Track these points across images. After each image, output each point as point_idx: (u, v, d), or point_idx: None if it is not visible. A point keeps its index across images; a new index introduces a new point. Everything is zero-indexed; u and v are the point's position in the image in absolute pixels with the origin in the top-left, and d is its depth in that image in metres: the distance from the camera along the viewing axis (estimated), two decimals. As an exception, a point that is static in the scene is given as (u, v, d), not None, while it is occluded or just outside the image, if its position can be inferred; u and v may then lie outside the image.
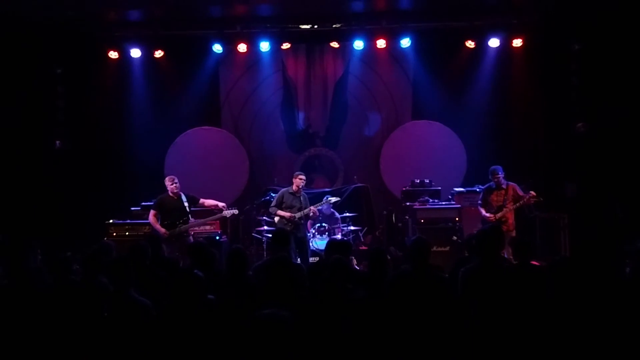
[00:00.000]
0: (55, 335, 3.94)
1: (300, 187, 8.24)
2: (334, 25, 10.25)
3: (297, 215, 8.08)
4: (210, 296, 4.10)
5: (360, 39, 10.31)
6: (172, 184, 7.87)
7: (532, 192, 8.11)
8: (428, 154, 10.63)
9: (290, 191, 8.28)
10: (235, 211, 8.20)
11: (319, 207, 8.56)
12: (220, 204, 8.10)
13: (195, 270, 4.05)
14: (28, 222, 9.05)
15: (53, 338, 3.93)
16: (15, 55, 9.52)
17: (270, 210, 8.37)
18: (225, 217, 8.18)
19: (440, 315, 4.06)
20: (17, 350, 3.88)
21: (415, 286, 4.29)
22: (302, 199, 8.22)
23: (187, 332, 3.71)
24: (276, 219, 8.25)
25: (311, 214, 8.30)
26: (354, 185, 10.50)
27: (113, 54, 10.38)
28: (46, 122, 9.99)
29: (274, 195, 8.88)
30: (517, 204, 8.14)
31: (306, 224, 8.58)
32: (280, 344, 3.32)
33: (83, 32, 9.92)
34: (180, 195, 7.89)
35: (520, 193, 8.19)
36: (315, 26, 10.23)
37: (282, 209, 8.17)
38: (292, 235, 7.85)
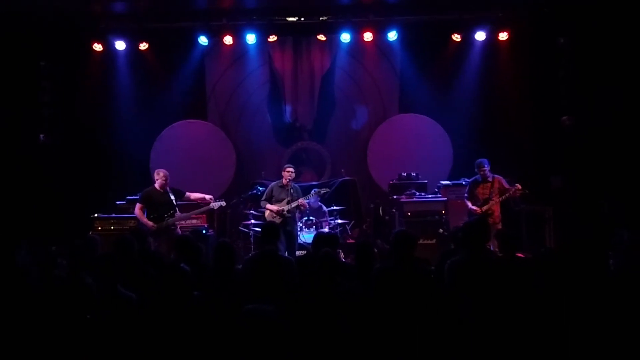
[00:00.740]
0: (42, 331, 3.90)
1: (289, 179, 8.22)
2: (320, 18, 10.22)
3: (285, 208, 8.07)
4: (195, 293, 4.07)
5: (347, 32, 10.28)
6: (162, 179, 7.78)
7: (518, 185, 8.17)
8: (415, 147, 10.65)
9: (280, 184, 8.27)
10: (223, 203, 8.15)
11: (308, 200, 8.55)
12: (207, 197, 8.05)
13: (182, 265, 4.03)
14: (12, 217, 8.94)
15: (39, 334, 3.88)
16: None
17: (261, 204, 8.36)
18: (213, 209, 8.14)
19: (425, 307, 4.07)
20: (4, 347, 3.83)
21: (399, 279, 4.31)
22: (292, 191, 8.19)
23: (174, 327, 3.69)
24: (267, 213, 8.22)
25: (302, 207, 8.27)
26: (341, 179, 10.50)
27: (97, 47, 10.25)
28: (30, 115, 9.85)
29: (261, 188, 8.85)
30: (503, 197, 8.20)
31: (295, 217, 8.51)
32: (264, 338, 3.32)
33: (67, 24, 9.78)
34: (167, 189, 7.83)
35: (506, 186, 8.25)
36: (302, 19, 10.19)
37: (272, 203, 8.16)
38: (281, 229, 7.85)
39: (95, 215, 8.79)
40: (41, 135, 9.88)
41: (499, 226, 7.98)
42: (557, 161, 9.64)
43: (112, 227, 8.64)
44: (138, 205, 7.76)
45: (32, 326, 3.92)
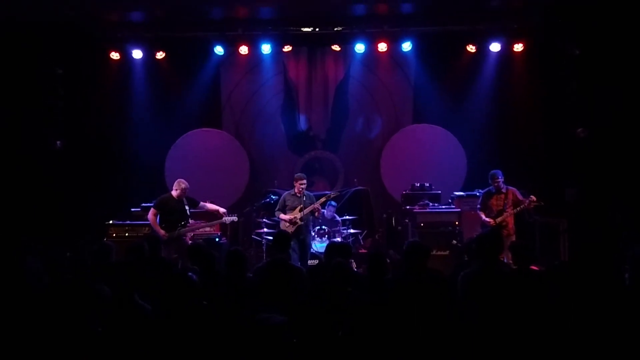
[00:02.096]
0: (51, 336, 3.92)
1: (301, 189, 8.21)
2: (335, 29, 10.27)
3: (298, 216, 8.06)
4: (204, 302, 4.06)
5: (361, 42, 10.33)
6: (182, 190, 7.80)
7: (533, 197, 8.10)
8: (428, 158, 10.63)
9: (292, 193, 8.27)
10: (235, 218, 8.19)
11: (322, 210, 8.51)
12: (221, 210, 8.06)
13: (190, 273, 4.02)
14: (28, 222, 9.04)
15: (49, 339, 3.91)
16: (16, 55, 9.53)
17: (275, 214, 8.37)
18: (225, 223, 8.18)
19: (437, 318, 4.05)
20: (14, 351, 3.86)
21: (411, 290, 4.29)
22: (304, 198, 8.19)
23: (181, 335, 3.68)
24: (281, 223, 8.23)
25: (316, 213, 8.25)
26: (354, 188, 10.50)
27: (114, 55, 10.39)
28: (47, 122, 9.99)
29: (274, 197, 8.88)
30: (517, 209, 8.14)
31: (309, 226, 8.48)
32: (274, 349, 3.31)
33: (84, 33, 9.93)
34: (182, 199, 7.86)
35: (520, 197, 8.19)
36: (317, 29, 10.25)
37: (285, 212, 8.17)
38: (294, 238, 7.85)
39: (110, 221, 8.86)
40: (58, 142, 10.00)
41: (513, 238, 7.92)
42: (572, 173, 9.56)
43: (127, 234, 8.68)
44: (152, 211, 7.81)
45: (37, 330, 3.93)
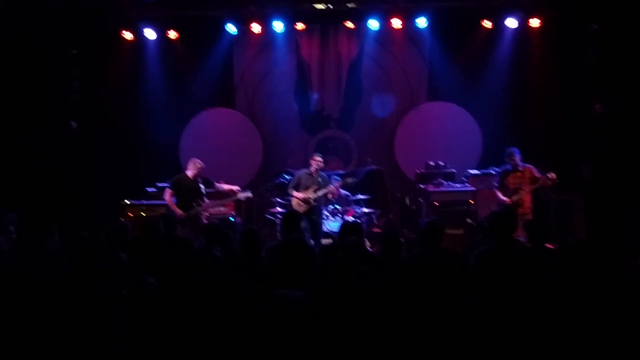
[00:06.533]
0: (70, 318, 3.98)
1: (317, 168, 8.21)
2: (348, 5, 10.15)
3: (312, 196, 8.07)
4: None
5: (375, 19, 10.20)
6: (197, 169, 7.85)
7: (553, 174, 7.98)
8: (443, 136, 10.55)
9: (308, 172, 8.27)
10: (249, 194, 8.23)
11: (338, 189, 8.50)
12: (235, 188, 8.12)
13: (214, 250, 4.07)
14: (44, 203, 9.15)
15: (68, 321, 3.97)
16: (30, 36, 9.55)
17: (288, 191, 8.38)
18: (240, 200, 8.23)
19: (452, 297, 4.06)
20: (32, 334, 3.92)
21: (426, 269, 4.30)
22: (319, 180, 8.19)
23: (201, 312, 3.74)
24: (293, 201, 8.24)
25: (330, 195, 8.24)
26: (367, 168, 10.47)
27: (128, 35, 10.39)
28: (61, 103, 10.05)
29: (287, 177, 8.88)
30: (535, 186, 8.06)
31: (321, 206, 8.48)
32: (294, 325, 3.34)
33: (97, 13, 9.92)
34: (197, 178, 7.91)
35: (538, 175, 8.10)
36: (330, 6, 10.14)
37: (299, 191, 8.18)
38: (306, 217, 7.87)
39: (126, 201, 8.94)
40: (73, 123, 10.07)
41: (530, 216, 7.83)
42: (588, 150, 9.44)
43: (143, 214, 8.77)
44: (168, 192, 7.87)
45: (58, 311, 3.99)
